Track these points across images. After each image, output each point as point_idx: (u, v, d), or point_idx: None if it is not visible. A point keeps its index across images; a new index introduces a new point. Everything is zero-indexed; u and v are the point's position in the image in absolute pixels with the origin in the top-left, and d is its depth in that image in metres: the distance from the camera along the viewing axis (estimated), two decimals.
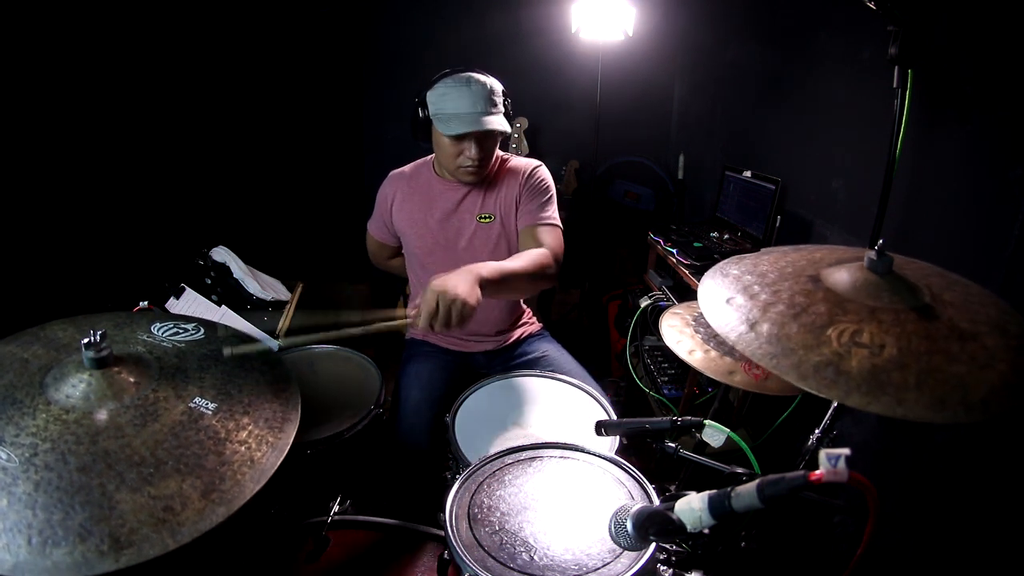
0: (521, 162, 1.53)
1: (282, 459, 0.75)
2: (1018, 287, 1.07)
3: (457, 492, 0.89)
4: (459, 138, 1.36)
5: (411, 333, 1.71)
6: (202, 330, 0.95)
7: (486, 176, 1.49)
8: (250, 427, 0.77)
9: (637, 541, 0.68)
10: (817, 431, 0.96)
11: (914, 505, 1.28)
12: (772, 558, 1.48)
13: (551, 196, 1.51)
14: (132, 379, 0.78)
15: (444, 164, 1.46)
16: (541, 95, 2.78)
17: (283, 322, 1.72)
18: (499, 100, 1.40)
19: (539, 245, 1.41)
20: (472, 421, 1.24)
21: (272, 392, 0.85)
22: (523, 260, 1.30)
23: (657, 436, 0.90)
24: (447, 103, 1.35)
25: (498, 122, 1.36)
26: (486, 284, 1.11)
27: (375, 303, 2.93)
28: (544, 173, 1.53)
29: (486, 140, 1.39)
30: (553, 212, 1.50)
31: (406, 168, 1.61)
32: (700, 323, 1.31)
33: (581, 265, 2.80)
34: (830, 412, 0.94)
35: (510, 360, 1.59)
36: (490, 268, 1.16)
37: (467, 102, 1.33)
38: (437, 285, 1.04)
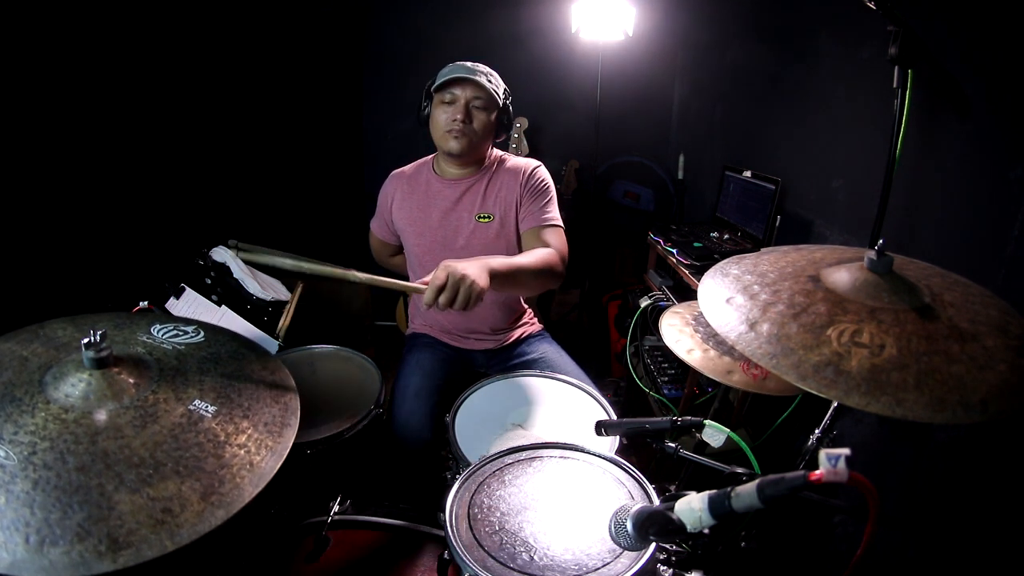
0: (520, 162, 1.53)
1: (281, 463, 0.75)
2: (1018, 287, 1.06)
3: (457, 492, 0.89)
4: (447, 99, 1.41)
5: (412, 328, 1.71)
6: (202, 333, 0.95)
7: (476, 159, 1.50)
8: (249, 431, 0.77)
9: (637, 541, 0.68)
10: (817, 431, 0.96)
11: (914, 505, 1.28)
12: (772, 558, 1.48)
13: (552, 196, 1.52)
14: (132, 380, 0.78)
15: (436, 138, 1.47)
16: (541, 95, 2.78)
17: (283, 322, 1.72)
18: (495, 80, 1.45)
19: (545, 246, 1.42)
20: (472, 421, 1.24)
21: (272, 397, 0.85)
22: (531, 257, 1.32)
23: (657, 436, 0.90)
24: (445, 74, 1.42)
25: (485, 81, 1.40)
26: (495, 275, 1.13)
27: (375, 302, 2.93)
28: (544, 173, 1.53)
29: (473, 109, 1.42)
30: (555, 212, 1.50)
31: (407, 168, 1.62)
32: (700, 323, 1.31)
33: (581, 265, 2.80)
34: (830, 412, 0.94)
35: (509, 360, 1.59)
36: (499, 261, 1.18)
37: (462, 70, 1.41)
38: (449, 264, 1.06)
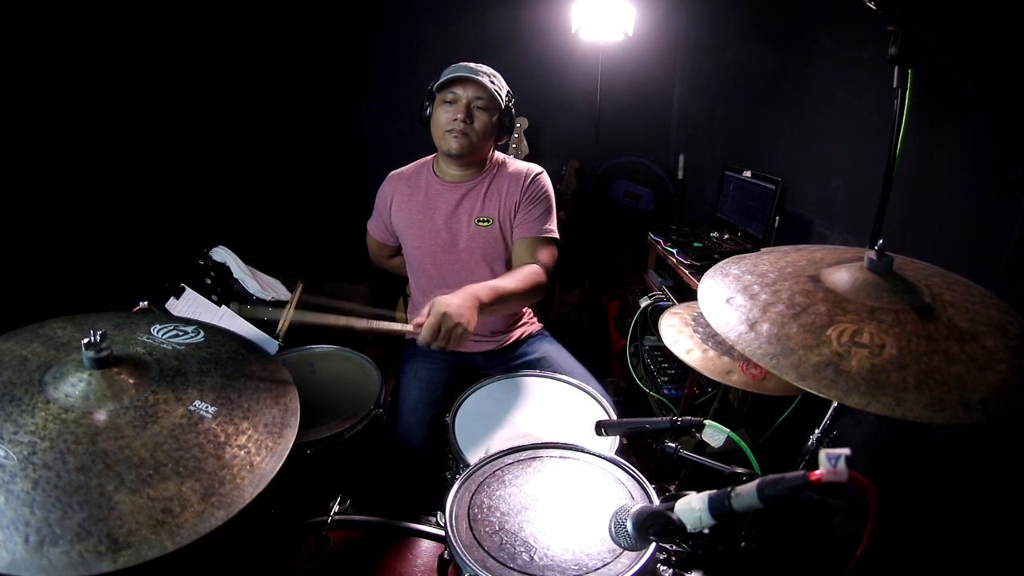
0: (522, 167, 1.53)
1: (281, 464, 0.75)
2: (1018, 287, 1.06)
3: (457, 492, 0.89)
4: (449, 98, 1.41)
5: (411, 333, 1.71)
6: (202, 333, 0.95)
7: (477, 160, 1.50)
8: (249, 432, 0.77)
9: (637, 541, 0.67)
10: (817, 431, 0.97)
11: (914, 505, 1.28)
12: (772, 558, 1.48)
13: (551, 206, 1.51)
14: (132, 380, 0.78)
15: (436, 138, 1.47)
16: (541, 95, 2.78)
17: (283, 322, 1.72)
18: (498, 81, 1.45)
19: (534, 259, 1.42)
20: (472, 421, 1.24)
21: (272, 398, 0.85)
22: (517, 280, 1.34)
23: (657, 436, 0.90)
24: (448, 74, 1.42)
25: (487, 81, 1.40)
26: (483, 308, 1.18)
27: (375, 303, 2.92)
28: (546, 181, 1.53)
29: (475, 109, 1.42)
30: (552, 224, 1.50)
31: (405, 169, 1.61)
32: (700, 323, 1.31)
33: (581, 265, 2.80)
34: (830, 412, 0.95)
35: (510, 360, 1.59)
36: (487, 292, 1.22)
37: (465, 69, 1.41)
38: (442, 307, 1.11)
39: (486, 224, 1.49)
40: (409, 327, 1.16)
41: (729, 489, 0.60)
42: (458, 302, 1.13)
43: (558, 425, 1.23)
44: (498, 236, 1.50)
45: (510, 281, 1.32)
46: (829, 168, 1.69)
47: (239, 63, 2.41)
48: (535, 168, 1.53)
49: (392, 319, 1.21)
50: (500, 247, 1.51)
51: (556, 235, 1.50)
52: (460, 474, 0.94)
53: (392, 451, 1.36)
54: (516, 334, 1.64)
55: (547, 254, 1.46)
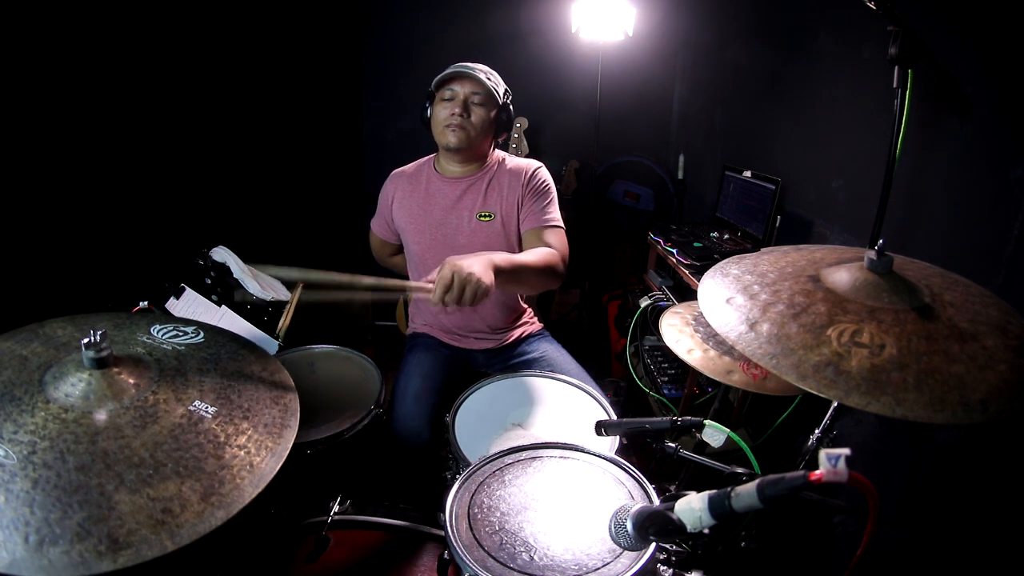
0: (522, 163, 1.54)
1: (281, 464, 0.75)
2: (1018, 287, 1.06)
3: (457, 492, 0.89)
4: (447, 95, 1.43)
5: (412, 328, 1.72)
6: (201, 334, 0.95)
7: (476, 156, 1.51)
8: (249, 432, 0.77)
9: (637, 541, 0.68)
10: (817, 431, 0.97)
11: (914, 505, 1.28)
12: (772, 558, 1.48)
13: (553, 197, 1.53)
14: (132, 380, 0.78)
15: (436, 134, 1.49)
16: (541, 95, 2.78)
17: (283, 322, 1.72)
18: (495, 78, 1.47)
19: (546, 246, 1.42)
20: (472, 421, 1.24)
21: (271, 398, 0.85)
22: (533, 255, 1.33)
23: (657, 436, 0.90)
24: (445, 72, 1.44)
25: (484, 77, 1.42)
26: (499, 272, 1.13)
27: (375, 303, 2.93)
28: (545, 174, 1.54)
29: (472, 105, 1.44)
30: (556, 213, 1.51)
31: (408, 167, 1.64)
32: (700, 323, 1.31)
33: (581, 265, 2.80)
34: (830, 412, 0.94)
35: (509, 359, 1.59)
36: (502, 257, 1.19)
37: (461, 67, 1.43)
38: (453, 261, 1.06)
39: (488, 219, 1.50)
40: (423, 283, 1.08)
41: (729, 489, 0.60)
42: (470, 259, 1.08)
43: (558, 425, 1.23)
44: (499, 231, 1.51)
45: (526, 255, 1.32)
46: (829, 168, 1.69)
47: (239, 63, 2.41)
48: (534, 163, 1.55)
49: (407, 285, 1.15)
50: (501, 243, 1.51)
51: (561, 223, 1.51)
52: (460, 474, 0.94)
53: (391, 440, 1.36)
54: (516, 333, 1.64)
55: (557, 240, 1.47)
